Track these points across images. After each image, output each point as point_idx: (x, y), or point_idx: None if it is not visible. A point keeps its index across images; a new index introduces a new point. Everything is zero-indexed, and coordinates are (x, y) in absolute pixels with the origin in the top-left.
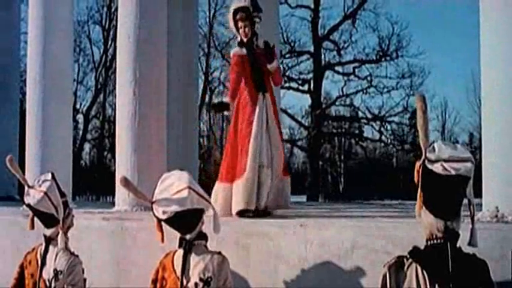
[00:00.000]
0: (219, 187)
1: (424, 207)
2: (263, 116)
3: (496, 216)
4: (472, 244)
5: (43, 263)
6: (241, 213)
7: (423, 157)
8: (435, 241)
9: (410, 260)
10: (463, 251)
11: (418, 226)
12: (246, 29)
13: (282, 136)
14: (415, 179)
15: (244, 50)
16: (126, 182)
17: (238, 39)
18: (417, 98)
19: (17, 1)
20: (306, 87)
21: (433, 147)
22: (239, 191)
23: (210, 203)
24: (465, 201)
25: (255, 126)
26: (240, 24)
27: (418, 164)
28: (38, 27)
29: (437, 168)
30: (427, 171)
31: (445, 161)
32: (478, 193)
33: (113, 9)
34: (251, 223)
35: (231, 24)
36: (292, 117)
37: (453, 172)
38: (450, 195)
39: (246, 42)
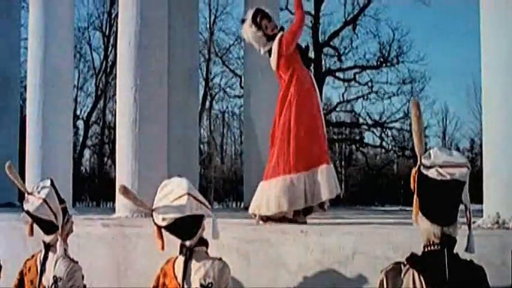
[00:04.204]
0: (295, 178)
1: (420, 213)
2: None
3: (497, 222)
4: (469, 250)
5: (42, 270)
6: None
7: (418, 163)
8: (432, 247)
9: (407, 266)
10: (460, 257)
11: (418, 232)
12: (271, 23)
13: None
14: (412, 185)
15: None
16: (125, 191)
17: (268, 43)
18: (412, 104)
19: (17, 7)
20: None
21: (429, 154)
22: (330, 177)
23: (209, 209)
24: (462, 207)
25: (321, 111)
26: (264, 23)
27: (414, 170)
28: (38, 34)
29: (432, 173)
30: (422, 176)
31: (440, 166)
32: (478, 199)
33: (113, 16)
34: (252, 229)
35: (257, 35)
36: None
37: (448, 177)
38: (446, 201)
39: (279, 31)
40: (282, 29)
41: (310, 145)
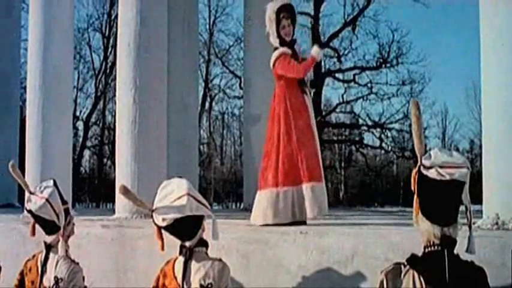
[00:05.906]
0: (281, 192)
1: (420, 214)
2: (313, 118)
3: (497, 223)
4: (470, 251)
5: (43, 271)
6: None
7: (419, 163)
8: (432, 248)
9: (407, 267)
10: (461, 258)
11: (418, 233)
12: (290, 28)
13: None
14: (412, 186)
15: (289, 51)
16: (125, 191)
17: (276, 40)
18: (412, 104)
19: (17, 8)
20: None
21: (429, 154)
22: (320, 194)
23: (209, 209)
24: (463, 208)
25: (315, 131)
26: (284, 22)
27: (414, 170)
28: (38, 34)
29: (432, 173)
30: (422, 177)
31: (440, 166)
32: (478, 200)
33: (113, 17)
34: (251, 231)
35: (271, 22)
36: None
37: (448, 177)
38: (446, 201)
39: (289, 42)
40: (294, 41)
41: (299, 161)
